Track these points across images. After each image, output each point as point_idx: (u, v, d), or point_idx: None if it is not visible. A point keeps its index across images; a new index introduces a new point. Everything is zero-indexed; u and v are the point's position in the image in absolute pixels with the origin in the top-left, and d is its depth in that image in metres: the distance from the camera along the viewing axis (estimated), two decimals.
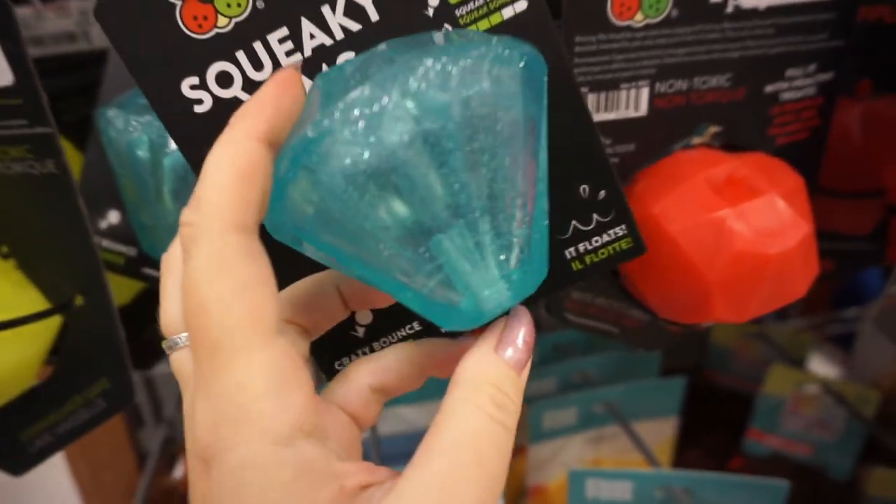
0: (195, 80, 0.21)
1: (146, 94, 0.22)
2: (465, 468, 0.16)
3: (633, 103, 0.28)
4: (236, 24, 0.21)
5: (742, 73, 0.28)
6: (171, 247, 0.20)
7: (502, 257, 0.19)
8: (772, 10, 0.27)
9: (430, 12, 0.21)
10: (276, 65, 0.22)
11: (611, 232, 0.24)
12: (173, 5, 0.21)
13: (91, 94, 0.35)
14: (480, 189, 0.18)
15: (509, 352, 0.18)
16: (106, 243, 0.34)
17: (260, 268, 0.16)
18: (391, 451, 0.54)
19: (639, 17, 0.26)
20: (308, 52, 0.22)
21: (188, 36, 0.21)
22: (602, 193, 0.24)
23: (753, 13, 0.27)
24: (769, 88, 0.29)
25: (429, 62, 0.18)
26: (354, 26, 0.22)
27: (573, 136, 0.22)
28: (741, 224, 0.26)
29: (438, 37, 0.20)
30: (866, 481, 0.52)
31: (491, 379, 0.18)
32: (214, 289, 0.16)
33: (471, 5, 0.21)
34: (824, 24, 0.28)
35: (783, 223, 0.26)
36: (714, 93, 0.29)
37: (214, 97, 0.22)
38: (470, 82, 0.18)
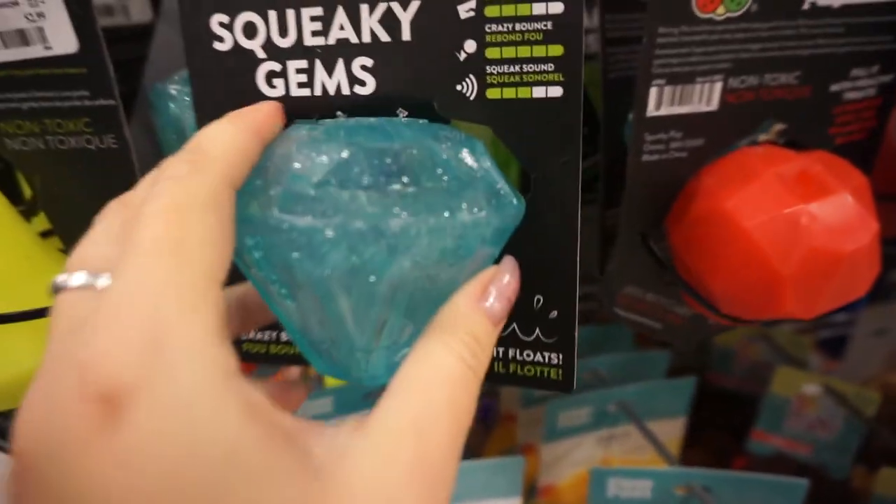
0: (225, 18, 0.22)
1: (182, 16, 0.22)
2: (438, 406, 0.16)
3: (706, 97, 0.28)
4: None
5: (810, 70, 0.29)
6: (112, 201, 0.18)
7: (384, 362, 0.20)
8: (845, 9, 0.28)
9: (462, 56, 0.21)
10: (299, 39, 0.22)
11: (545, 355, 0.23)
12: None
13: (128, 70, 0.33)
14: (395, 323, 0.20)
15: (490, 302, 0.19)
16: None
17: (231, 225, 0.17)
18: None
19: (721, 9, 0.26)
20: (332, 41, 0.22)
21: None
22: (554, 313, 0.23)
23: (827, 11, 0.27)
24: (834, 87, 0.29)
25: (413, 227, 0.18)
26: (384, 36, 0.22)
27: (551, 247, 0.22)
28: (816, 221, 0.26)
29: (439, 148, 0.20)
30: (868, 480, 0.54)
31: (468, 328, 0.18)
32: (202, 216, 0.15)
33: (503, 68, 0.21)
34: (891, 25, 0.29)
35: (855, 221, 0.26)
36: (782, 89, 0.29)
37: (235, 41, 0.22)
38: (448, 255, 0.19)
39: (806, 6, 0.27)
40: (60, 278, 0.15)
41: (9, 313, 0.24)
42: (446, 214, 0.19)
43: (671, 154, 0.28)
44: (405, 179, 0.19)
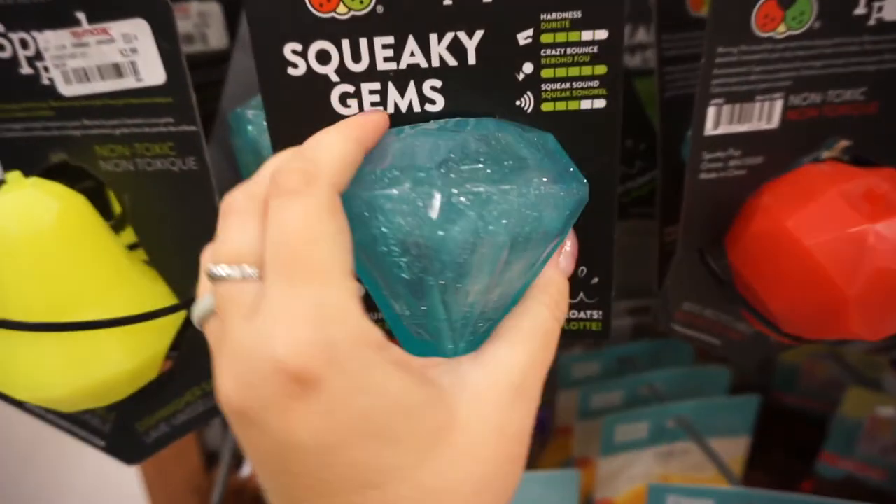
0: (298, 46, 0.24)
1: (254, 46, 0.24)
2: (535, 350, 0.21)
3: (766, 115, 0.28)
4: (353, 16, 0.23)
5: (877, 86, 0.28)
6: (237, 191, 0.21)
7: (467, 337, 0.23)
8: None
9: (521, 77, 0.24)
10: (372, 64, 0.24)
11: (589, 312, 0.28)
12: None
13: (207, 94, 0.36)
14: (481, 297, 0.22)
15: (563, 262, 0.24)
16: None
17: (345, 221, 0.20)
18: None
19: (781, 28, 0.26)
20: (403, 66, 0.24)
21: (308, 9, 0.23)
22: (595, 279, 0.27)
23: (894, 27, 0.27)
24: None
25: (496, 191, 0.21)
26: (451, 61, 0.24)
27: (594, 228, 0.25)
28: (883, 240, 0.25)
29: (519, 144, 0.23)
30: None
31: (555, 285, 0.23)
32: (327, 226, 0.18)
33: (556, 85, 0.24)
34: None
35: None
36: (847, 106, 0.28)
37: (309, 67, 0.24)
38: (522, 223, 0.21)
39: (872, 22, 0.27)
40: (220, 270, 0.19)
41: (102, 320, 0.26)
42: (525, 188, 0.21)
43: (730, 172, 0.28)
44: (489, 160, 0.21)
